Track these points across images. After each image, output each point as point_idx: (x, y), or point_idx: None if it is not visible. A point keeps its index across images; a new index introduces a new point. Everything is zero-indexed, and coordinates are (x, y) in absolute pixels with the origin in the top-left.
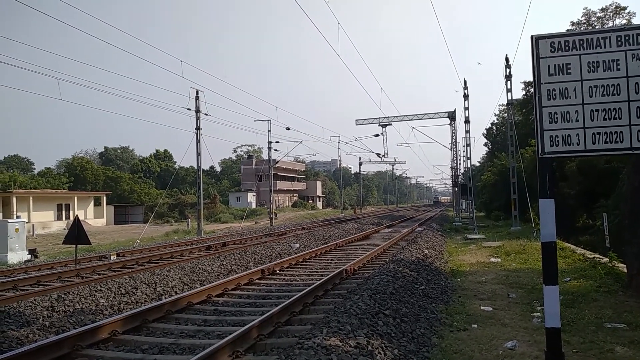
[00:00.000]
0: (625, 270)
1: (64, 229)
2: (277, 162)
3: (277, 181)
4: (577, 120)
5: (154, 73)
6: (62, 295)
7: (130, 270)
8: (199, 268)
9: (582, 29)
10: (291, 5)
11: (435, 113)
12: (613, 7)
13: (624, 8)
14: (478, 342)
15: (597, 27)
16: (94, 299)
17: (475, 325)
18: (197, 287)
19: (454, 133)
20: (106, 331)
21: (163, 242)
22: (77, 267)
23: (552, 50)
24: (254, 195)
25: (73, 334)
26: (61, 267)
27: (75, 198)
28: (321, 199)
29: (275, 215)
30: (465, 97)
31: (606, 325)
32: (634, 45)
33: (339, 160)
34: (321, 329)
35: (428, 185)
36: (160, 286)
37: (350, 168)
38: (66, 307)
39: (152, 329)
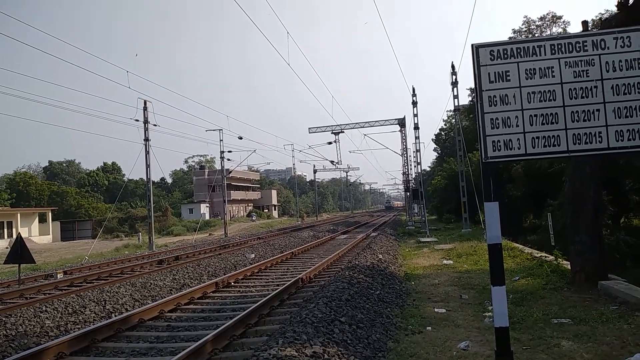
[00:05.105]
0: (569, 267)
1: (6, 248)
2: (230, 172)
3: (231, 191)
4: (517, 125)
5: (99, 84)
6: (4, 319)
7: (78, 288)
8: (151, 283)
9: (522, 36)
10: (241, 15)
11: (386, 120)
12: (550, 17)
13: (560, 17)
14: (433, 344)
15: (536, 34)
16: (38, 320)
17: (430, 328)
18: (148, 303)
19: (404, 139)
20: (52, 354)
21: (113, 257)
22: (21, 287)
23: (492, 58)
24: (207, 207)
25: (14, 359)
26: (2, 289)
27: (19, 215)
28: (277, 208)
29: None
30: (414, 104)
31: (553, 321)
32: (566, 53)
33: (294, 169)
34: (277, 339)
35: (381, 190)
36: (110, 304)
37: (305, 176)
38: (8, 330)
39: (102, 349)
